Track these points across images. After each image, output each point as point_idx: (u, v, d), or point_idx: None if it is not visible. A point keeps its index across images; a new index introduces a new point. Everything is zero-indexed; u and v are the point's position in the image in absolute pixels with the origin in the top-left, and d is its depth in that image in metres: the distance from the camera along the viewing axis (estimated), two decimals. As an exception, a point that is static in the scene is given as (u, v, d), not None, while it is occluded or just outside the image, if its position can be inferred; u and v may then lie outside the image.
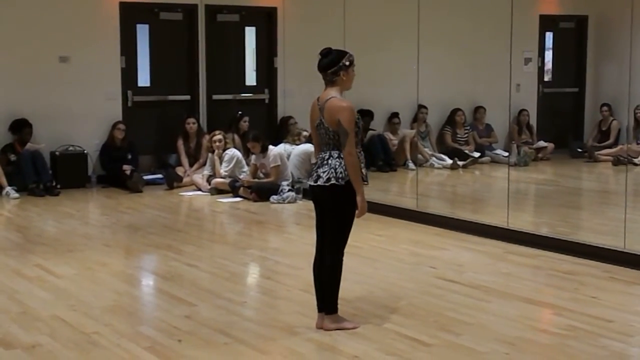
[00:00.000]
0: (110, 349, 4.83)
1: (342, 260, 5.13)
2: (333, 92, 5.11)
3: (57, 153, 10.94)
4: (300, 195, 9.92)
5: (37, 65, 10.94)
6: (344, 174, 5.01)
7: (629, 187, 8.86)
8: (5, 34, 10.75)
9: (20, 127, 10.71)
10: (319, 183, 5.08)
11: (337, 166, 5.03)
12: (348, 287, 5.97)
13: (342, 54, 5.15)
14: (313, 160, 10.45)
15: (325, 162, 5.09)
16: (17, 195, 10.14)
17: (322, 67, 5.12)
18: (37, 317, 5.44)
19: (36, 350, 4.81)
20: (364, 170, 5.10)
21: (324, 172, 5.06)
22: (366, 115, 12.88)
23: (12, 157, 10.61)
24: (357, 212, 5.07)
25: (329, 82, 5.13)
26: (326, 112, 5.08)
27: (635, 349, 4.99)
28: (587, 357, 4.71)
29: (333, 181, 5.01)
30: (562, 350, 4.82)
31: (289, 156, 10.61)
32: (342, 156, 5.03)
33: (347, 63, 5.12)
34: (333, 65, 5.09)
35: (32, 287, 6.18)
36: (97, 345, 4.89)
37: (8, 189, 10.19)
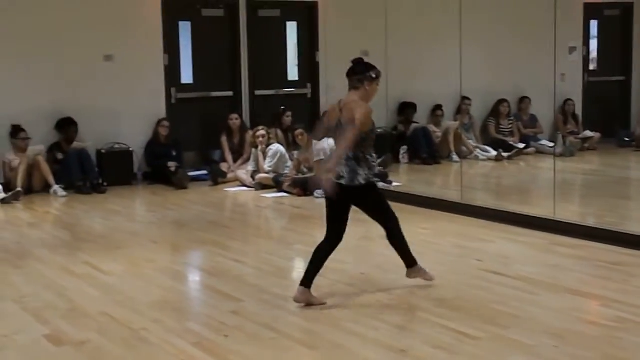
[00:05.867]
0: (158, 345, 4.87)
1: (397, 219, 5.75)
2: (355, 97, 5.50)
3: (103, 151, 11.06)
4: (344, 189, 9.90)
5: (82, 64, 11.06)
6: (360, 175, 5.42)
7: (678, 176, 8.73)
8: (50, 34, 10.88)
9: (67, 126, 10.84)
10: (343, 182, 5.42)
11: (355, 167, 5.41)
12: (393, 280, 5.98)
13: (371, 66, 5.57)
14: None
15: (342, 161, 5.42)
16: (64, 193, 10.27)
17: (350, 72, 5.56)
18: (86, 313, 5.50)
19: (85, 347, 4.86)
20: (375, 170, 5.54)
21: (346, 173, 5.41)
22: (409, 107, 12.85)
23: (59, 156, 10.75)
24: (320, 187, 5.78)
25: (353, 87, 5.53)
26: (345, 111, 5.44)
27: (687, 340, 4.91)
28: (637, 349, 4.64)
29: (357, 183, 5.42)
30: (611, 342, 4.76)
31: (331, 150, 10.59)
32: (358, 158, 5.42)
33: (374, 75, 5.52)
34: (361, 72, 5.52)
35: (81, 284, 6.25)
36: (145, 342, 4.94)
37: (56, 187, 10.33)
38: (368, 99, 5.53)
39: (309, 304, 5.50)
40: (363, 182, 5.42)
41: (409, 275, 5.87)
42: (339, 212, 5.55)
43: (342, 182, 5.41)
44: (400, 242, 5.80)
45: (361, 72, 5.50)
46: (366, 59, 5.61)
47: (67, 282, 6.33)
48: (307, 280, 5.52)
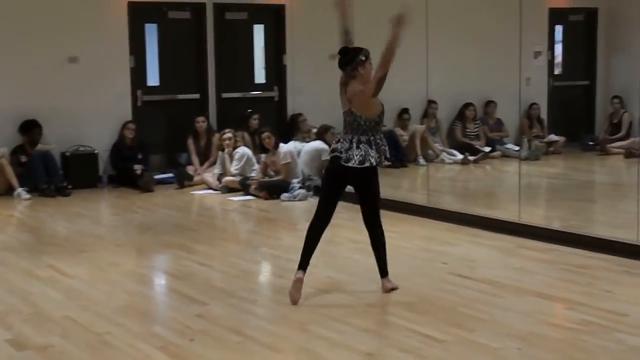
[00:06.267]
0: (122, 349, 4.83)
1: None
2: (359, 87, 5.58)
3: (67, 153, 10.96)
4: (311, 193, 9.90)
5: (46, 66, 10.95)
6: (371, 157, 5.56)
7: (641, 179, 8.79)
8: (14, 35, 10.77)
9: (30, 128, 10.73)
10: (351, 164, 5.54)
11: (368, 150, 5.55)
12: (359, 283, 5.98)
13: (357, 50, 5.65)
14: (325, 157, 10.56)
15: (353, 145, 5.56)
16: (28, 196, 10.16)
17: (342, 65, 5.64)
18: (49, 317, 5.44)
19: (48, 351, 4.81)
20: (386, 154, 5.69)
21: (357, 155, 5.54)
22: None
23: (23, 158, 10.63)
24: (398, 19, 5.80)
25: (351, 77, 5.62)
26: (359, 106, 5.56)
27: (650, 342, 4.96)
28: (602, 352, 4.68)
29: (367, 164, 5.54)
30: (575, 345, 4.79)
31: (299, 153, 10.59)
32: (369, 141, 5.56)
33: (363, 58, 5.62)
34: (351, 61, 5.60)
35: (44, 288, 6.18)
36: (109, 346, 4.89)
37: (19, 190, 10.22)
38: (369, 80, 5.58)
39: (293, 294, 5.58)
40: (374, 163, 5.57)
41: (385, 288, 5.82)
42: (337, 195, 5.72)
43: (351, 164, 5.53)
44: (380, 247, 5.86)
45: (351, 60, 5.59)
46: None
47: (30, 285, 6.26)
48: (304, 262, 5.63)
